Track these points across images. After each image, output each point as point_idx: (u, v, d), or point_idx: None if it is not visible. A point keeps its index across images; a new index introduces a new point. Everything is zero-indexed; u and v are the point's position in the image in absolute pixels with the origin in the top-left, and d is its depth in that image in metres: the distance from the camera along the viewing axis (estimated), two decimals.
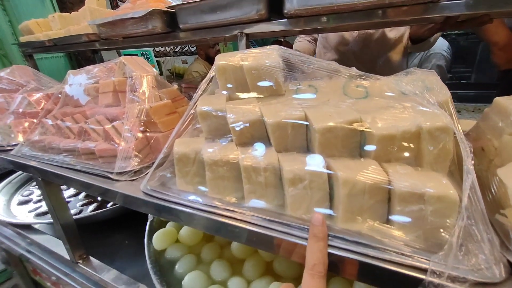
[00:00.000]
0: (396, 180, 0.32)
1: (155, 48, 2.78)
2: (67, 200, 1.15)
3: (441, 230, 0.31)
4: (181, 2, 0.88)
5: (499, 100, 0.40)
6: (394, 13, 0.57)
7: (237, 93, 0.53)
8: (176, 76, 2.84)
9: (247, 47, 0.77)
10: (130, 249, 0.98)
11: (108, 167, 0.57)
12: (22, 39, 1.32)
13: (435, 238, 0.31)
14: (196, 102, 0.53)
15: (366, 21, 0.59)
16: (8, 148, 0.78)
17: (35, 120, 0.87)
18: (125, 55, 2.15)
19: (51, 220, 0.98)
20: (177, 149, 0.48)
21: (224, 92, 0.53)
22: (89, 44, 1.10)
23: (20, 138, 0.81)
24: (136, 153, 0.57)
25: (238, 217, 0.40)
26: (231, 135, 0.47)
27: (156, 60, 2.54)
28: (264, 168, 0.41)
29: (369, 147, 0.37)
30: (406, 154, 0.36)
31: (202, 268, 0.72)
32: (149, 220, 0.88)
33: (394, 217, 0.33)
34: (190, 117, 0.55)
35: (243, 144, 0.46)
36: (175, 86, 0.72)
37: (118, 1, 2.34)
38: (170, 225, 0.86)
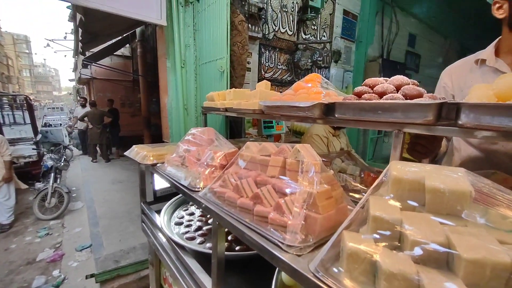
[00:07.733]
0: None
1: None
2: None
3: None
4: (341, 99, 1.05)
5: None
6: None
7: (410, 206, 0.57)
8: (293, 133, 3.16)
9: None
10: None
11: (275, 234, 0.71)
12: (206, 103, 1.87)
13: None
14: (365, 202, 0.61)
15: None
16: (195, 189, 1.09)
17: (207, 171, 1.18)
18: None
19: (196, 248, 1.25)
20: (350, 245, 0.54)
21: (396, 203, 0.58)
22: (251, 114, 1.44)
23: (201, 183, 1.12)
24: (300, 229, 0.69)
25: None
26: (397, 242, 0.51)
27: None
28: None
29: None
30: None
31: None
32: (274, 281, 0.96)
33: None
34: (356, 212, 0.62)
35: (419, 261, 0.48)
36: (331, 171, 0.83)
37: (263, 73, 2.95)
38: None
